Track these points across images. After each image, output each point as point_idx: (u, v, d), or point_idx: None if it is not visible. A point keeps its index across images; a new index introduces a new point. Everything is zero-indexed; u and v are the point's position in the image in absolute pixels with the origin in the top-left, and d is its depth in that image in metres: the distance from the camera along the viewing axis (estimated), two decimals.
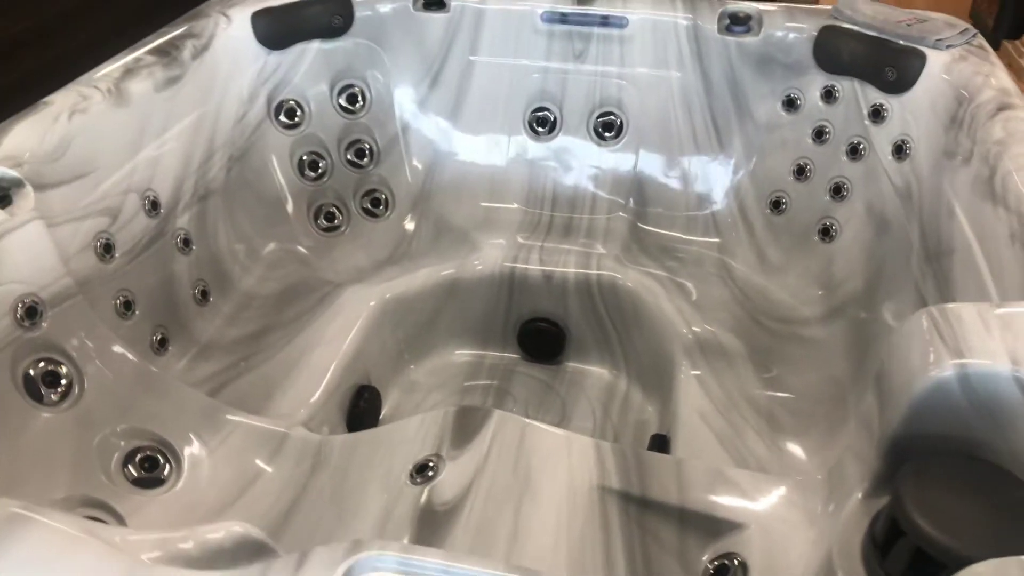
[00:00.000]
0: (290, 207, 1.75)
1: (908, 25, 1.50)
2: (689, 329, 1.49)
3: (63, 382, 1.11)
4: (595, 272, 1.60)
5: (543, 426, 1.12)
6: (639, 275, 1.60)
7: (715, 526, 1.04)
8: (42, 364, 1.10)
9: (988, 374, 0.80)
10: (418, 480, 1.06)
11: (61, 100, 1.26)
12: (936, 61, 1.42)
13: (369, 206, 1.84)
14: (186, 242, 1.50)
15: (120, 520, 1.07)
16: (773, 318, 1.57)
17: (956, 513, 0.75)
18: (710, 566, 1.02)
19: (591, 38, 1.72)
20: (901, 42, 1.47)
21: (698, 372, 1.44)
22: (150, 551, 0.64)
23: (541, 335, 1.65)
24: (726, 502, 1.05)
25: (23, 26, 1.48)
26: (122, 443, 1.14)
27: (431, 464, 1.07)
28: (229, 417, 1.25)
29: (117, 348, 1.20)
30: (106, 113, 1.31)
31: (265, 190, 1.72)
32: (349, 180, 1.82)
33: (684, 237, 1.77)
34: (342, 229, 1.81)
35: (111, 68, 1.37)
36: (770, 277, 1.67)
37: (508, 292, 1.64)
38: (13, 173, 1.12)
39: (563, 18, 1.70)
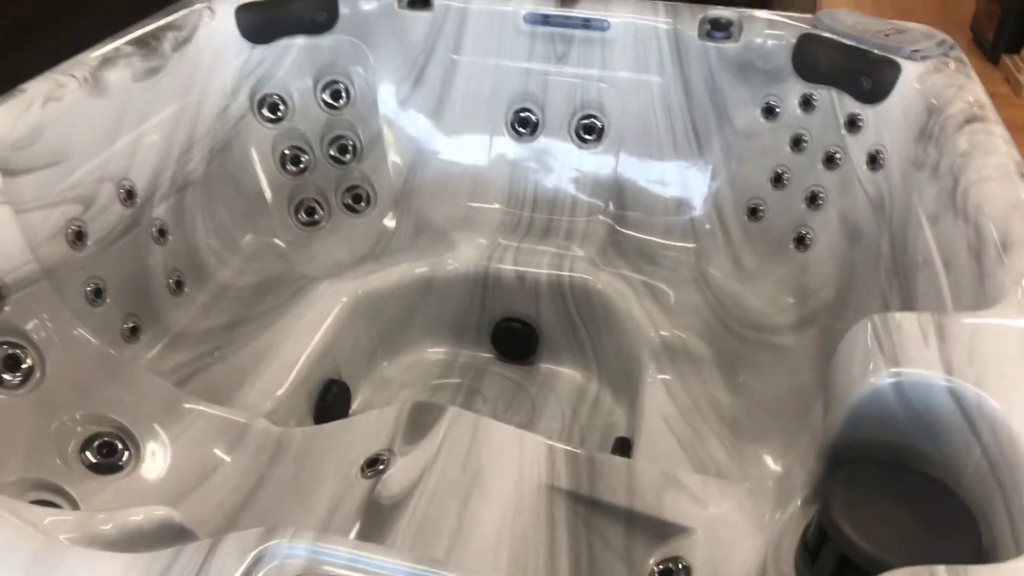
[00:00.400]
0: (270, 200, 1.77)
1: (886, 35, 1.50)
2: (657, 333, 1.49)
3: (23, 366, 1.13)
4: (567, 274, 1.60)
5: (496, 423, 1.13)
6: (611, 278, 1.61)
7: (663, 529, 1.04)
8: (3, 347, 1.11)
9: (922, 384, 0.81)
10: (369, 474, 1.07)
11: (35, 88, 1.27)
12: (911, 72, 1.42)
13: (350, 202, 1.85)
14: (162, 232, 1.51)
15: (74, 504, 1.08)
16: (745, 325, 1.57)
17: (881, 520, 0.76)
18: (656, 568, 1.02)
19: (573, 40, 1.72)
20: (877, 52, 1.47)
21: (665, 376, 1.44)
22: (69, 531, 0.65)
23: (513, 335, 1.65)
24: (675, 506, 1.05)
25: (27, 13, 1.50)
26: (80, 428, 1.15)
27: (383, 458, 1.08)
28: (191, 407, 1.26)
29: (81, 334, 1.21)
30: (81, 101, 1.32)
31: (246, 183, 1.73)
32: (331, 175, 1.83)
33: (662, 242, 1.77)
34: (322, 224, 1.82)
35: (88, 57, 1.38)
36: (745, 284, 1.68)
37: (482, 291, 1.64)
38: None
39: (545, 20, 1.71)
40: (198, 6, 1.61)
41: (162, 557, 0.61)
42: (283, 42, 1.73)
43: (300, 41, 1.75)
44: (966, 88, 1.34)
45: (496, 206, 1.84)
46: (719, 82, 1.68)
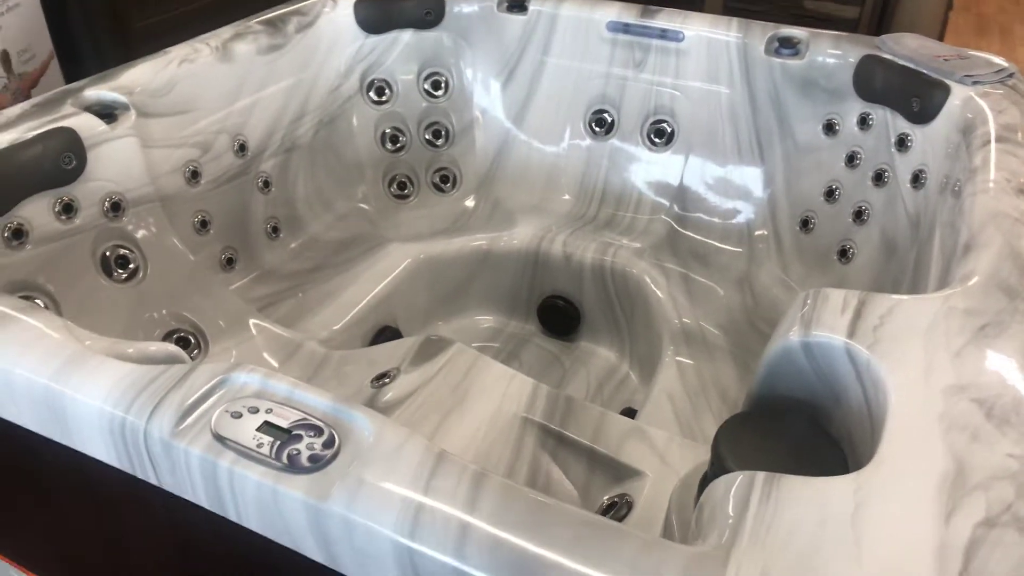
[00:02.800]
0: (367, 172, 2.01)
1: (945, 60, 1.53)
2: (680, 320, 1.59)
3: (130, 266, 1.40)
4: (610, 259, 1.73)
5: (493, 362, 1.28)
6: (651, 267, 1.72)
7: (620, 471, 1.16)
8: (117, 248, 1.39)
9: (825, 344, 0.89)
10: (376, 384, 1.25)
11: (176, 51, 1.57)
12: (959, 95, 1.45)
13: (438, 181, 2.06)
14: (266, 184, 1.78)
15: None
16: (771, 324, 1.63)
17: (756, 450, 0.85)
18: (605, 501, 1.14)
19: (650, 49, 1.85)
20: (931, 75, 1.51)
21: (682, 359, 1.54)
22: (101, 349, 0.87)
23: (557, 311, 1.80)
24: (635, 453, 1.17)
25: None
26: (165, 322, 1.41)
27: (390, 374, 1.26)
28: (257, 323, 1.50)
29: (181, 249, 1.48)
30: (211, 65, 1.61)
31: (347, 153, 1.98)
32: (424, 156, 2.05)
33: (717, 245, 1.86)
34: (411, 198, 2.04)
35: (223, 31, 1.67)
36: (787, 292, 1.73)
37: (532, 268, 1.80)
38: (123, 99, 1.42)
39: (626, 28, 1.85)
40: None
41: (156, 369, 0.82)
42: (393, 34, 1.98)
43: (408, 34, 1.99)
44: (1006, 112, 1.36)
45: (567, 197, 1.99)
46: (783, 97, 1.75)
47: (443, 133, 2.05)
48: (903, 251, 1.49)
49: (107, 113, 1.40)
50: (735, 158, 1.85)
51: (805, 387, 0.92)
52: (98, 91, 1.41)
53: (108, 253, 1.37)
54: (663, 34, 1.82)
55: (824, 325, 0.91)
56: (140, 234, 1.42)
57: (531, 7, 1.93)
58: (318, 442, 0.73)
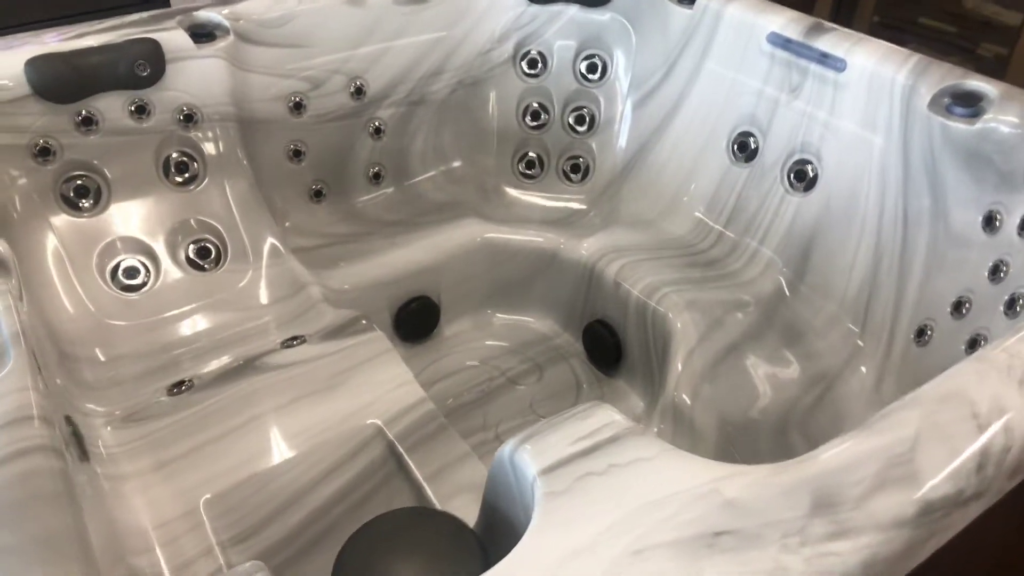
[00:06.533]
0: (498, 142, 1.96)
1: None
2: (679, 393, 1.34)
3: (187, 173, 1.55)
4: (653, 304, 1.50)
5: (397, 360, 1.21)
6: (691, 324, 1.46)
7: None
8: (181, 155, 1.54)
9: (521, 470, 0.70)
10: (285, 343, 1.26)
11: None
12: None
13: (568, 170, 1.94)
14: (378, 131, 1.83)
15: (156, 272, 1.49)
16: (812, 441, 1.31)
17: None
18: None
19: (808, 73, 1.53)
20: None
21: (655, 429, 1.31)
22: None
23: (599, 340, 1.62)
24: (461, 510, 1.04)
25: None
26: (201, 231, 1.54)
27: (299, 338, 1.26)
28: (286, 255, 1.57)
29: (245, 168, 1.60)
30: (335, 7, 1.67)
31: (482, 119, 1.95)
32: (561, 140, 1.94)
33: (817, 327, 1.52)
34: (537, 180, 1.96)
35: None
36: (867, 407, 1.37)
37: (587, 286, 1.64)
38: (226, 23, 1.56)
39: (787, 44, 1.54)
40: None
41: None
42: (558, 7, 1.87)
43: (573, 10, 1.87)
44: None
45: (686, 220, 1.76)
46: (941, 167, 1.34)
47: (587, 120, 1.92)
48: None
49: (206, 33, 1.54)
50: (874, 228, 1.47)
51: (507, 495, 0.74)
52: (208, 13, 1.55)
53: (171, 157, 1.53)
54: (824, 59, 1.49)
55: (544, 446, 0.71)
56: (207, 147, 1.56)
57: (699, 1, 1.69)
58: None
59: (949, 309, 1.32)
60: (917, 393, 0.77)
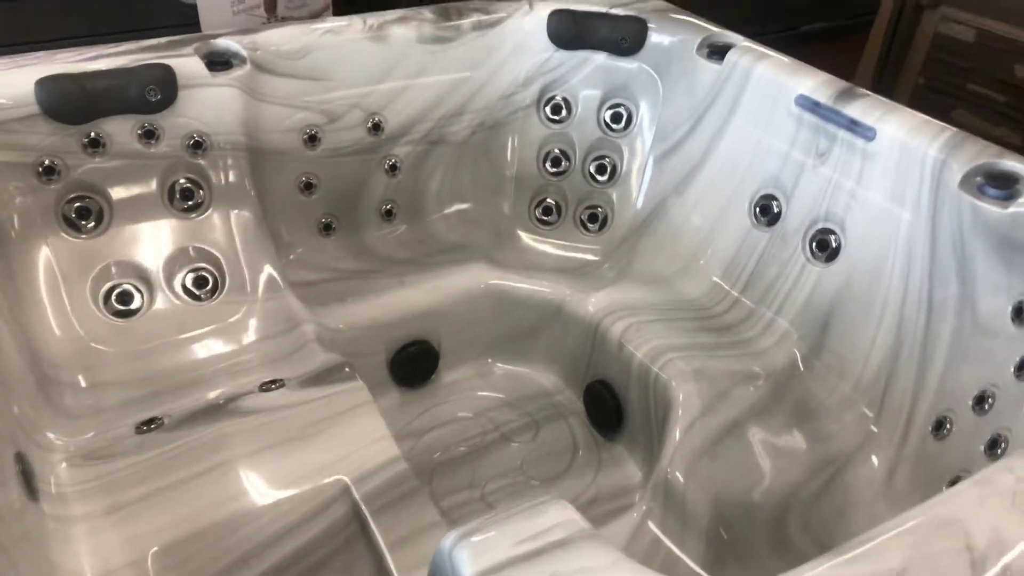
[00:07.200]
0: (516, 187, 1.91)
1: None
2: (672, 471, 1.26)
3: (190, 201, 1.53)
4: (656, 369, 1.43)
5: (375, 414, 1.16)
6: (696, 395, 1.38)
7: None
8: (187, 182, 1.52)
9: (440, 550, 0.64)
10: (263, 387, 1.21)
11: (329, 23, 1.64)
12: None
13: (585, 218, 1.89)
14: (393, 168, 1.80)
15: (152, 299, 1.46)
16: (819, 544, 1.22)
17: None
18: None
19: (836, 140, 1.46)
20: None
21: (654, 528, 1.24)
22: None
23: (599, 401, 1.55)
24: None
25: None
26: (195, 260, 1.51)
27: (278, 382, 1.21)
28: (285, 290, 1.53)
29: (253, 199, 1.57)
30: (357, 42, 1.65)
31: (500, 163, 1.90)
32: (580, 189, 1.89)
33: (830, 408, 1.43)
34: (553, 227, 1.90)
35: (389, 11, 1.71)
36: (882, 503, 1.28)
37: (591, 345, 1.57)
38: (244, 52, 1.54)
39: (815, 107, 1.48)
40: (521, 1, 1.81)
41: None
42: (585, 54, 1.83)
43: (601, 57, 1.83)
44: None
45: (704, 277, 1.69)
46: (970, 249, 1.26)
47: (608, 169, 1.87)
48: None
49: (222, 62, 1.53)
50: (896, 309, 1.39)
51: None
52: (227, 41, 1.54)
53: (177, 183, 1.51)
54: (853, 126, 1.42)
55: (486, 544, 0.65)
56: (214, 175, 1.54)
57: (727, 57, 1.64)
58: None
59: (971, 402, 1.23)
60: (910, 514, 0.69)
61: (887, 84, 2.62)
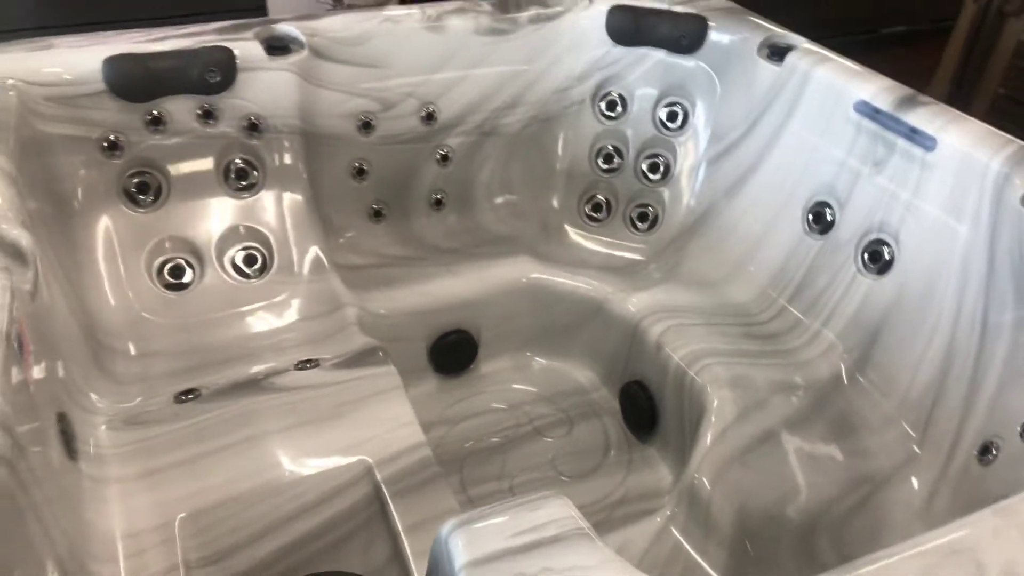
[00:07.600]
0: (567, 181, 1.91)
1: None
2: (700, 477, 1.25)
3: (244, 182, 1.57)
4: (693, 374, 1.41)
5: (404, 399, 1.17)
6: (731, 403, 1.36)
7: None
8: (242, 162, 1.57)
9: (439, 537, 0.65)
10: (299, 365, 1.25)
11: (388, 11, 1.66)
12: None
13: (635, 217, 1.87)
14: (445, 157, 1.81)
15: (203, 271, 1.51)
16: (841, 556, 1.19)
17: None
18: None
19: (894, 149, 1.41)
20: None
21: (677, 535, 1.22)
22: None
23: (634, 401, 1.54)
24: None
25: None
26: (251, 239, 1.55)
27: (313, 361, 1.24)
28: (331, 272, 1.57)
29: (304, 181, 1.60)
30: (415, 31, 1.67)
31: (551, 156, 1.90)
32: (631, 187, 1.87)
33: (872, 424, 1.39)
34: (601, 223, 1.89)
35: (449, 2, 1.72)
36: (913, 522, 1.24)
37: (629, 344, 1.56)
38: (302, 38, 1.57)
39: (875, 114, 1.43)
40: None
41: None
42: (643, 50, 1.81)
43: (659, 55, 1.80)
44: None
45: (752, 283, 1.66)
46: None
47: (660, 168, 1.85)
48: None
49: (281, 47, 1.56)
50: (949, 327, 1.33)
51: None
52: (287, 27, 1.58)
53: (232, 163, 1.56)
54: (913, 134, 1.37)
55: (481, 534, 0.66)
56: (268, 157, 1.58)
57: (788, 60, 1.60)
58: None
59: (1020, 430, 1.17)
60: (923, 538, 0.67)
61: (965, 92, 2.51)
